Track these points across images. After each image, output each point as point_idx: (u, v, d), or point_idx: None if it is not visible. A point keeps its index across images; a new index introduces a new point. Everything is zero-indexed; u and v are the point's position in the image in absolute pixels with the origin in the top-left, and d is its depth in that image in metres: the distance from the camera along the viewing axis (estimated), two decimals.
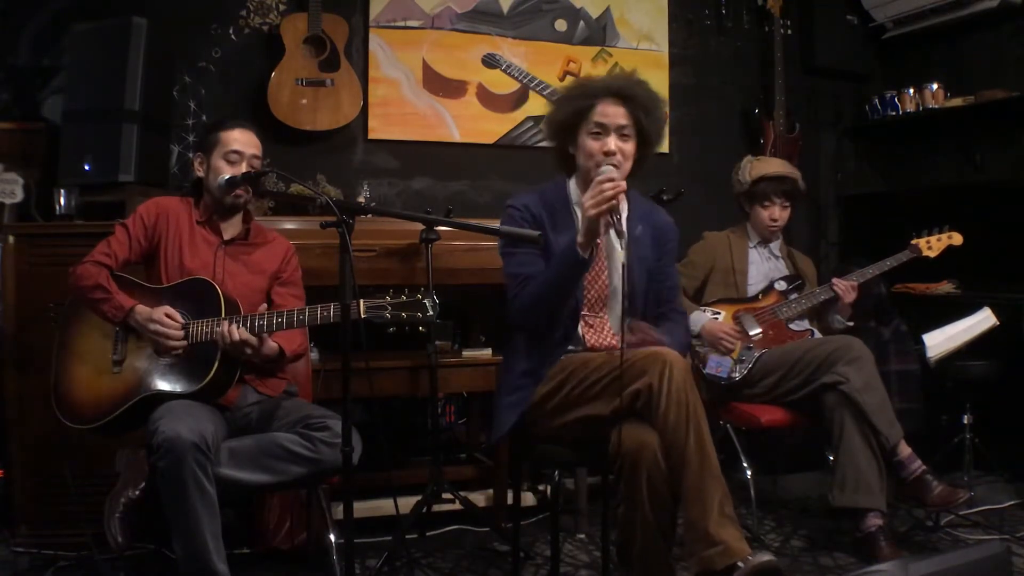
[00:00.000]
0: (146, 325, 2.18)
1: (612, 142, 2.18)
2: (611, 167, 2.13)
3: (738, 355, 2.99)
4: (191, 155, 3.40)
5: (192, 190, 2.50)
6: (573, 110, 2.24)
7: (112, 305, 2.21)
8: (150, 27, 2.95)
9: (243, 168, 2.37)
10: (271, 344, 2.29)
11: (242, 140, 2.39)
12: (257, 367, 2.36)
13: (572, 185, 2.35)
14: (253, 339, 2.19)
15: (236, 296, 2.29)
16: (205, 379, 2.16)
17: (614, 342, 2.28)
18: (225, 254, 2.42)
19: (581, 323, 2.29)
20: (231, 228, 2.46)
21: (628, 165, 2.22)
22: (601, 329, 2.31)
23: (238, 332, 2.15)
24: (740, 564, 1.87)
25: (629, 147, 2.21)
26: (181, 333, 2.18)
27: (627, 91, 2.21)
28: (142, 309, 2.20)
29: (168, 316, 2.19)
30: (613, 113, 2.19)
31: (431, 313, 2.07)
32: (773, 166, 3.23)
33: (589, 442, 2.12)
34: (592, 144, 2.20)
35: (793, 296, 3.13)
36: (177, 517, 1.99)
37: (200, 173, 2.42)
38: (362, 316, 2.05)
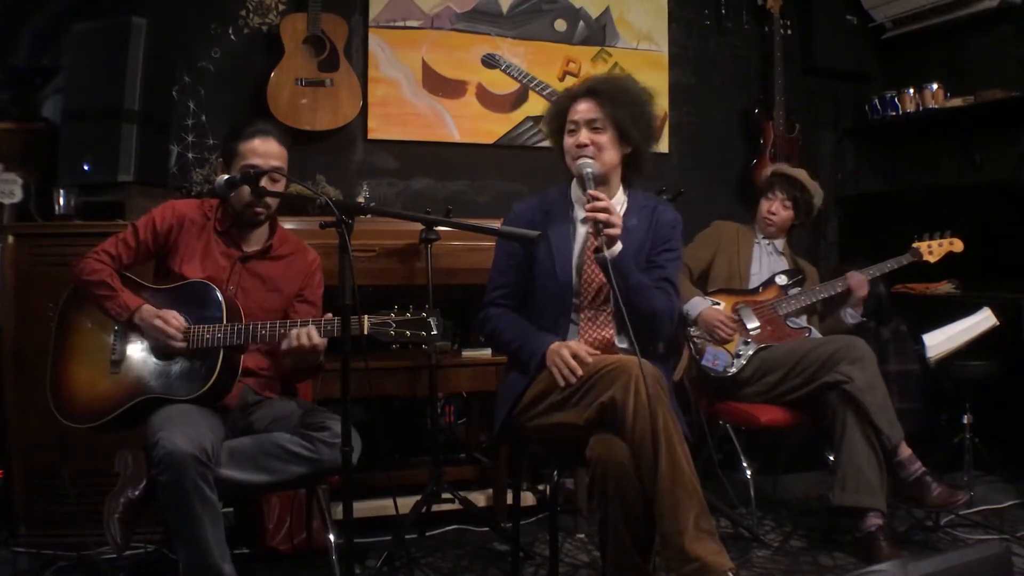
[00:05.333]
0: (151, 321, 2.14)
1: (583, 135, 2.26)
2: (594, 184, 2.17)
3: (735, 349, 3.00)
4: (190, 156, 3.43)
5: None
6: (554, 115, 2.36)
7: (117, 303, 2.18)
8: (150, 27, 2.95)
9: (262, 182, 2.24)
10: None
11: (261, 151, 2.26)
12: (255, 370, 2.35)
13: (573, 186, 2.40)
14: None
15: (248, 314, 2.22)
16: (206, 385, 2.13)
17: (610, 337, 2.30)
18: (243, 269, 2.33)
19: (580, 321, 2.31)
20: (254, 241, 2.36)
21: (607, 155, 2.28)
22: (600, 326, 2.31)
23: (315, 336, 2.10)
24: None
25: (603, 138, 2.27)
26: (181, 335, 2.15)
27: (595, 87, 2.30)
28: (149, 308, 2.17)
29: (175, 319, 2.15)
30: (583, 109, 2.28)
31: (435, 332, 2.05)
32: (796, 172, 3.30)
33: (572, 446, 2.12)
34: (568, 140, 2.30)
35: (793, 291, 3.14)
36: (181, 528, 1.97)
37: None
38: (365, 333, 2.04)
